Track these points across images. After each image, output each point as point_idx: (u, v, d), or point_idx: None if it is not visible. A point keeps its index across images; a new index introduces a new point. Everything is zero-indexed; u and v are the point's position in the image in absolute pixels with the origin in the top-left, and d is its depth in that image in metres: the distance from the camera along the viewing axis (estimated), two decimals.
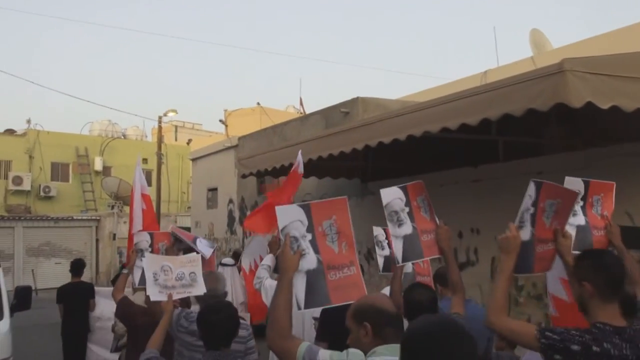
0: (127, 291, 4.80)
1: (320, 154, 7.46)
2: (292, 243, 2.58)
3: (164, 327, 3.35)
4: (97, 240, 23.63)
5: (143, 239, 4.77)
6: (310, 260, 2.62)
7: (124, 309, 4.43)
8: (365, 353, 2.16)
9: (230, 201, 14.09)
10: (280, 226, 2.63)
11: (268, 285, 5.00)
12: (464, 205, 7.22)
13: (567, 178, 3.15)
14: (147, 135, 35.63)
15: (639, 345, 2.26)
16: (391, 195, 3.18)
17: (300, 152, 6.03)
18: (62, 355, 7.48)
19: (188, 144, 32.99)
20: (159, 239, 4.78)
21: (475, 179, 7.38)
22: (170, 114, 23.62)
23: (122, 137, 32.06)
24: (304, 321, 4.42)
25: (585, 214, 3.09)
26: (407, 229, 3.15)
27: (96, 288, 7.78)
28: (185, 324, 3.50)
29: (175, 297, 3.60)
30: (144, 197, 5.55)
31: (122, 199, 25.40)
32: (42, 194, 26.66)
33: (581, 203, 3.07)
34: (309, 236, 2.65)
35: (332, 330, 2.18)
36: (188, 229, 20.96)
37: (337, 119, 9.93)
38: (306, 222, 2.66)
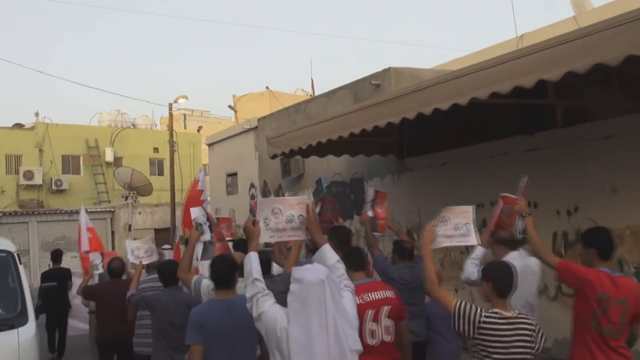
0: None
1: (352, 130, 6.79)
2: (197, 226, 4.67)
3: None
4: (112, 232, 23.20)
5: (96, 258, 7.50)
6: (206, 236, 4.72)
7: (89, 291, 6.84)
8: None
9: (252, 185, 13.51)
10: (193, 217, 4.73)
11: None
12: (519, 177, 6.58)
13: (367, 188, 5.97)
14: (156, 124, 35.12)
15: None
16: (196, 213, 4.81)
17: (202, 170, 8.25)
18: (45, 329, 8.67)
19: (199, 131, 32.45)
20: (108, 256, 7.20)
21: (531, 148, 6.76)
22: (181, 101, 23.03)
23: (132, 127, 31.52)
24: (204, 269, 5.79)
25: (373, 210, 5.52)
26: (207, 236, 4.75)
27: (73, 271, 9.31)
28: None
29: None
30: (89, 229, 8.75)
31: (135, 189, 24.92)
32: (54, 187, 26.24)
33: (371, 203, 5.54)
34: (208, 223, 4.78)
35: None
36: None
37: (367, 93, 9.29)
38: (205, 216, 4.82)
